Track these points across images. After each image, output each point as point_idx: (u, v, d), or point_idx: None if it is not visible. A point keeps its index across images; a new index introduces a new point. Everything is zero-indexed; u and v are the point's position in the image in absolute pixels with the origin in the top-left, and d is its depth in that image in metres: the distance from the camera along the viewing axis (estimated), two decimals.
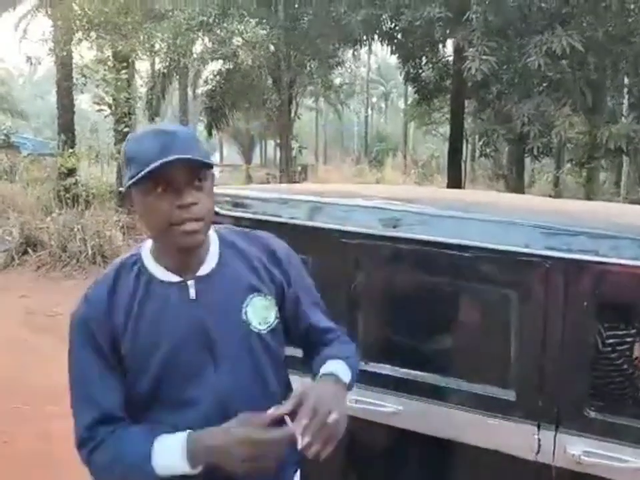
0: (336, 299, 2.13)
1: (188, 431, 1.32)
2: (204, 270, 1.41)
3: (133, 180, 1.29)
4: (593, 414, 1.83)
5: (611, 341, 2.06)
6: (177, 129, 1.35)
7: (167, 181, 1.29)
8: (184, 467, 1.29)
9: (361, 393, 2.07)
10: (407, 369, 2.07)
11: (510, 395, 1.91)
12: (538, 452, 1.86)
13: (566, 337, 1.84)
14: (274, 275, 1.48)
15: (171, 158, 1.25)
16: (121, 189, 1.40)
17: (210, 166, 1.34)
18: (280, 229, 2.21)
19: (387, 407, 2.04)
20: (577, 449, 1.81)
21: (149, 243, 1.45)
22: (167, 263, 1.40)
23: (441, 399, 2.00)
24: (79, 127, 15.78)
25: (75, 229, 10.09)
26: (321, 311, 1.59)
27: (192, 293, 1.39)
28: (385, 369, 2.09)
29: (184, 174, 1.29)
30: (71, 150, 12.91)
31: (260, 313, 1.44)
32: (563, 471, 1.83)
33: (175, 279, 1.40)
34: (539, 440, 1.86)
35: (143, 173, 1.26)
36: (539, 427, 1.86)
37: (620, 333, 2.08)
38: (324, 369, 1.45)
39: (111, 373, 1.37)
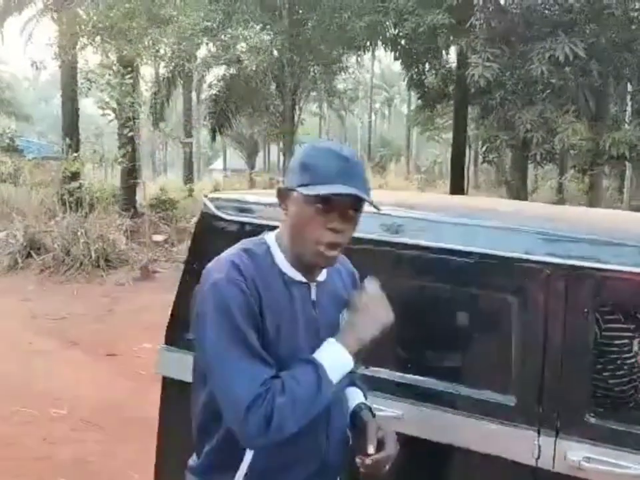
0: None
1: (330, 340, 1.44)
2: (321, 277, 1.55)
3: (307, 190, 1.37)
4: (593, 420, 1.83)
5: (611, 347, 2.07)
6: (356, 159, 1.44)
7: (333, 204, 1.38)
8: (349, 362, 1.43)
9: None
10: (407, 374, 2.08)
11: (510, 401, 1.92)
12: (538, 458, 1.86)
13: (566, 343, 1.85)
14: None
15: (352, 191, 1.36)
16: (281, 185, 1.47)
17: (370, 203, 1.42)
18: None
19: (388, 412, 2.05)
20: (577, 454, 1.81)
21: (272, 236, 1.52)
22: (295, 262, 1.49)
23: (442, 405, 2.00)
24: (83, 131, 15.82)
25: (79, 233, 10.13)
26: None
27: (313, 295, 1.52)
28: (386, 374, 2.10)
29: (348, 203, 1.40)
30: (75, 154, 12.94)
31: None
32: (563, 477, 1.83)
33: (301, 278, 1.50)
34: (539, 446, 1.86)
35: (318, 191, 1.36)
36: (539, 433, 1.87)
37: (620, 339, 2.09)
38: (354, 397, 1.69)
39: (258, 338, 1.39)
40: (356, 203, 1.41)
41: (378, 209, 1.46)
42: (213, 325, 1.37)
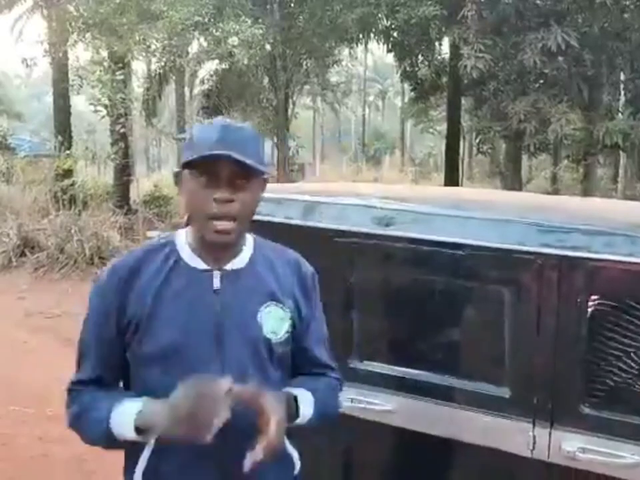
0: (330, 298, 2.13)
1: (144, 400, 1.34)
2: (232, 265, 1.44)
3: (182, 163, 1.35)
4: (587, 410, 1.83)
5: (604, 337, 2.07)
6: (243, 127, 1.39)
7: (212, 172, 1.32)
8: (130, 433, 1.33)
9: (356, 392, 2.08)
10: (401, 367, 2.07)
11: (504, 392, 1.92)
12: (533, 449, 1.86)
13: (560, 334, 1.85)
14: (295, 294, 1.50)
15: (214, 152, 1.29)
16: (176, 168, 1.43)
17: (257, 171, 1.35)
18: (274, 228, 2.21)
19: (382, 406, 2.05)
20: (572, 445, 1.81)
21: (183, 230, 1.48)
22: (198, 249, 1.42)
23: (436, 397, 2.00)
24: (75, 128, 15.75)
25: (72, 230, 10.09)
26: (324, 348, 1.59)
27: (216, 283, 1.41)
28: (380, 367, 2.10)
29: (229, 170, 1.32)
30: (67, 151, 12.87)
31: (274, 322, 1.44)
32: (558, 467, 1.84)
33: (202, 266, 1.42)
34: (534, 437, 1.86)
35: (189, 159, 1.32)
36: (533, 424, 1.87)
37: (614, 329, 2.08)
38: (295, 392, 1.45)
39: (111, 337, 1.41)
40: (243, 170, 1.32)
41: (263, 172, 1.37)
42: (85, 317, 1.47)
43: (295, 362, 1.54)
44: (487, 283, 1.97)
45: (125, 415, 1.33)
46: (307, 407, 1.45)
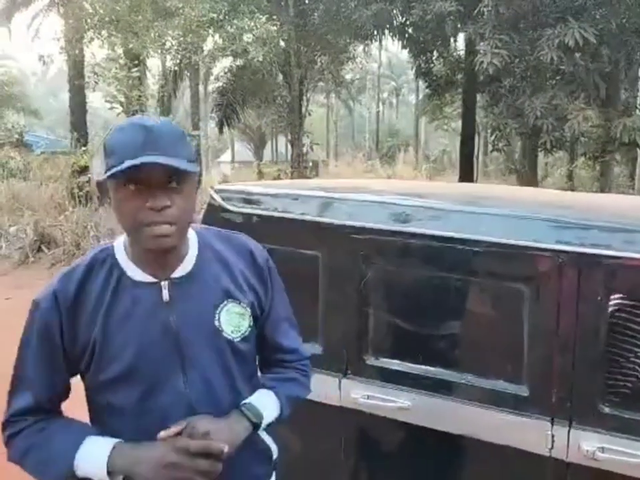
0: (345, 295, 2.13)
1: (116, 441, 1.30)
2: (179, 272, 1.36)
3: (108, 174, 1.23)
4: (607, 409, 1.81)
5: (624, 335, 2.04)
6: (161, 125, 1.27)
7: (140, 180, 1.23)
8: (102, 476, 1.28)
9: (372, 389, 2.07)
10: (417, 364, 2.06)
11: (523, 391, 1.90)
12: (552, 448, 1.84)
13: (579, 332, 1.83)
14: (252, 283, 1.44)
15: (144, 159, 1.20)
16: (97, 178, 1.34)
17: (189, 172, 1.27)
18: (290, 225, 2.21)
19: (398, 403, 2.04)
20: (591, 444, 1.79)
21: (122, 238, 1.39)
22: (141, 261, 1.34)
23: (453, 395, 1.99)
24: (91, 124, 15.87)
25: (88, 227, 10.16)
26: (290, 328, 1.56)
27: (165, 295, 1.34)
28: (396, 365, 2.09)
29: (159, 175, 1.23)
30: (83, 148, 12.98)
31: (233, 320, 1.39)
32: (577, 466, 1.82)
33: (148, 279, 1.34)
34: (553, 436, 1.84)
35: (116, 169, 1.21)
36: (552, 423, 1.85)
37: (634, 327, 2.06)
38: (251, 398, 1.43)
39: (56, 367, 1.35)
40: (173, 172, 1.23)
41: (184, 172, 1.26)
42: (20, 341, 1.39)
43: (260, 350, 1.51)
44: (505, 281, 1.95)
45: (95, 455, 1.29)
46: (270, 410, 1.44)
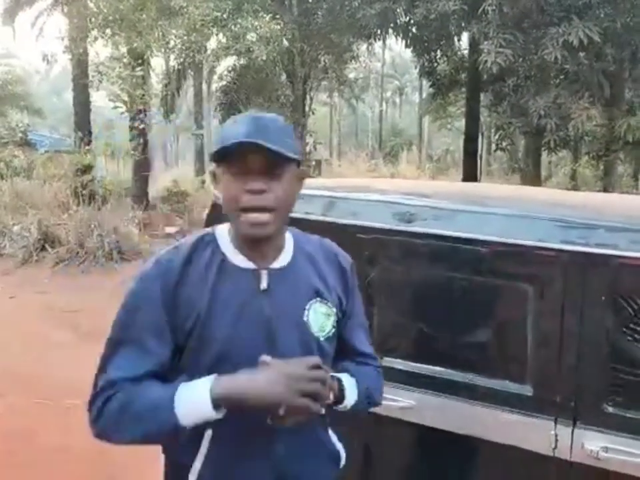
0: None
1: (214, 375, 1.29)
2: (278, 263, 1.41)
3: (212, 154, 1.32)
4: (611, 409, 1.81)
5: (628, 335, 2.04)
6: (273, 118, 1.36)
7: (242, 163, 1.29)
8: (207, 409, 1.25)
9: None
10: (422, 363, 2.06)
11: (527, 390, 1.90)
12: (555, 447, 1.84)
13: (583, 332, 1.83)
14: (337, 287, 1.49)
15: (245, 139, 1.26)
16: (213, 153, 1.36)
17: (288, 159, 1.32)
18: (294, 224, 2.21)
19: (402, 402, 2.04)
20: (594, 444, 1.79)
21: (224, 226, 1.44)
22: (241, 248, 1.39)
23: (457, 394, 1.99)
24: (94, 124, 15.89)
25: (92, 226, 10.17)
26: (365, 334, 1.60)
27: (264, 283, 1.38)
28: (400, 364, 2.09)
29: (259, 160, 1.29)
30: (87, 147, 13.01)
31: (320, 319, 1.43)
32: (580, 466, 1.82)
33: (249, 265, 1.38)
34: (556, 435, 1.84)
35: (218, 148, 1.30)
36: (556, 422, 1.85)
37: (638, 327, 2.05)
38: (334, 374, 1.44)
39: (156, 339, 1.34)
40: (275, 160, 1.29)
41: (295, 160, 1.34)
42: (118, 313, 1.39)
43: (337, 353, 1.52)
44: (509, 280, 1.95)
45: (196, 391, 1.26)
46: (351, 392, 1.45)
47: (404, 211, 2.08)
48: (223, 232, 1.43)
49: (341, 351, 1.53)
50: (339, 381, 1.43)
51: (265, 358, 1.28)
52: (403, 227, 2.06)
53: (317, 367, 1.29)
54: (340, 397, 1.41)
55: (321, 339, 1.42)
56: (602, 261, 1.80)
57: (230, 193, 1.32)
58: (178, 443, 1.35)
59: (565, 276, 1.83)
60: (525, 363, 1.91)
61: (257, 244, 1.37)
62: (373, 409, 2.02)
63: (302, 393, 1.25)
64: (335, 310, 1.46)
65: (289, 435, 1.35)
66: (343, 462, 1.55)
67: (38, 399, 4.85)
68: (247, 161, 1.29)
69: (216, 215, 2.38)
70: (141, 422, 1.29)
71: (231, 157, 1.29)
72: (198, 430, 1.31)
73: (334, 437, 1.53)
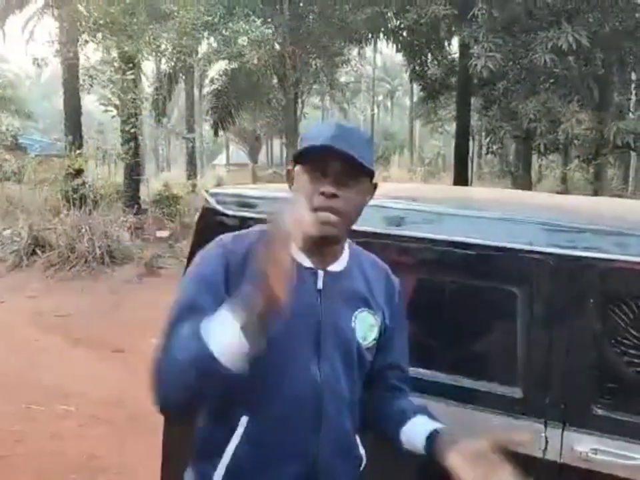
0: None
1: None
2: (335, 267, 1.46)
3: (295, 153, 1.39)
4: (600, 411, 1.82)
5: (617, 337, 2.06)
6: (357, 129, 1.44)
7: (321, 166, 1.35)
8: (235, 333, 1.15)
9: None
10: (412, 367, 2.07)
11: (516, 393, 1.91)
12: (545, 449, 1.85)
13: (572, 335, 1.84)
14: (384, 308, 1.52)
15: (326, 143, 1.31)
16: (296, 152, 1.43)
17: (366, 170, 1.37)
18: None
19: None
20: (584, 446, 1.80)
21: None
22: (304, 245, 1.39)
23: (446, 397, 1.99)
24: (85, 127, 15.83)
25: (83, 230, 10.14)
26: (405, 357, 1.64)
27: (320, 283, 1.42)
28: None
29: (338, 166, 1.34)
30: (78, 151, 12.95)
31: (365, 327, 1.47)
32: (570, 468, 1.82)
33: (307, 263, 1.42)
34: (546, 438, 1.85)
35: (303, 147, 1.36)
36: (545, 425, 1.86)
37: (627, 329, 2.07)
38: (433, 425, 1.48)
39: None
40: (352, 169, 1.35)
41: (371, 172, 1.40)
42: (191, 271, 1.41)
43: (372, 373, 1.55)
44: (498, 283, 1.96)
45: (219, 316, 1.18)
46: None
47: (393, 215, 2.09)
48: None
49: (384, 369, 1.57)
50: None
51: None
52: (392, 231, 2.07)
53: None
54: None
55: (363, 345, 1.47)
56: (591, 265, 1.82)
57: (304, 191, 1.36)
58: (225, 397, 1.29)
59: (554, 279, 1.85)
60: (515, 366, 1.92)
61: (319, 244, 1.40)
62: None
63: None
64: (379, 323, 1.50)
65: (331, 433, 1.41)
66: (364, 464, 1.59)
67: (27, 404, 4.82)
68: (327, 165, 1.35)
69: (207, 219, 2.38)
70: (181, 362, 1.20)
71: (312, 158, 1.35)
72: (218, 437, 1.36)
73: (359, 442, 1.57)
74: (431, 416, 1.53)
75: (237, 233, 1.47)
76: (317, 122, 1.46)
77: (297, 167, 1.41)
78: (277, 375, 1.37)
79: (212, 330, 1.17)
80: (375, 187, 1.49)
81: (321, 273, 1.43)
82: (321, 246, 1.41)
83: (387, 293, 1.55)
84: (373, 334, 1.49)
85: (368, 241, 2.09)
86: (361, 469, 1.59)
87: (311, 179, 1.36)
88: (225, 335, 1.16)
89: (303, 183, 1.37)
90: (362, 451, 1.58)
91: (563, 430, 1.84)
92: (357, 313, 1.46)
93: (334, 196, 1.34)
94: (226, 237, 1.44)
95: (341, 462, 1.47)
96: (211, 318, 1.19)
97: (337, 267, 1.46)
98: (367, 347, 1.48)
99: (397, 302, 1.58)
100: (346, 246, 1.51)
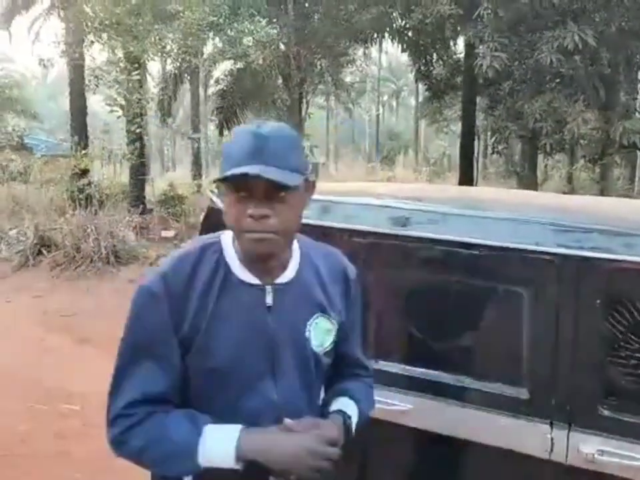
0: None
1: (241, 427, 1.30)
2: (283, 278, 1.39)
3: (214, 180, 1.32)
4: (606, 412, 1.82)
5: (623, 338, 2.04)
6: (275, 133, 1.29)
7: (246, 188, 1.26)
8: (229, 462, 1.28)
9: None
10: (417, 367, 2.06)
11: (522, 394, 1.90)
12: (551, 451, 1.85)
13: (578, 335, 1.83)
14: (339, 301, 1.48)
15: (246, 170, 1.22)
16: (215, 180, 1.33)
17: (291, 187, 1.27)
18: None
19: (398, 406, 2.04)
20: (590, 447, 1.79)
21: (230, 234, 1.41)
22: (246, 262, 1.36)
23: (453, 398, 1.99)
24: (91, 128, 15.87)
25: (89, 230, 10.15)
26: (361, 345, 1.62)
27: (269, 299, 1.37)
28: (396, 368, 2.09)
29: (262, 185, 1.25)
30: (84, 151, 12.99)
31: (321, 335, 1.43)
32: (576, 469, 1.82)
33: (254, 280, 1.37)
34: (552, 439, 1.84)
35: (220, 176, 1.27)
36: (551, 426, 1.85)
37: (633, 330, 2.06)
38: (337, 404, 1.49)
39: (167, 353, 1.33)
40: (277, 184, 1.25)
41: (286, 186, 1.26)
42: (126, 328, 1.38)
43: (333, 364, 1.53)
44: (504, 284, 1.96)
45: (222, 442, 1.28)
46: (355, 421, 1.49)
47: (399, 215, 2.08)
48: (228, 242, 1.40)
49: (339, 362, 1.55)
50: (349, 417, 1.46)
51: (287, 421, 1.31)
52: (398, 231, 2.06)
53: (334, 444, 1.33)
54: (349, 435, 1.44)
55: (320, 353, 1.44)
56: (597, 265, 1.81)
57: (232, 215, 1.30)
58: None
59: (560, 280, 1.84)
60: (521, 367, 1.92)
61: (259, 260, 1.35)
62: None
63: (316, 469, 1.29)
64: (336, 325, 1.46)
65: None
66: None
67: (33, 404, 4.83)
68: (249, 185, 1.26)
69: (212, 219, 2.38)
70: (163, 464, 1.33)
71: (234, 180, 1.26)
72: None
73: None
74: (356, 400, 1.52)
75: (175, 257, 1.40)
76: (237, 130, 1.34)
77: (223, 185, 1.31)
78: (234, 400, 1.36)
79: (207, 452, 1.28)
80: (313, 184, 1.40)
81: (269, 288, 1.37)
82: (264, 261, 1.36)
83: (343, 287, 1.50)
84: (330, 337, 1.45)
85: (375, 241, 2.09)
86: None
87: (237, 199, 1.27)
88: (218, 461, 1.28)
89: (230, 204, 1.29)
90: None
91: (568, 431, 1.83)
92: (311, 320, 1.41)
93: (264, 217, 1.26)
94: (165, 269, 1.36)
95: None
96: (209, 439, 1.28)
97: (285, 277, 1.40)
98: (324, 352, 1.45)
99: (353, 293, 1.52)
100: (295, 248, 1.44)
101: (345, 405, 1.49)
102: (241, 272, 1.37)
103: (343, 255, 1.56)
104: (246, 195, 1.27)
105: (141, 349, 1.35)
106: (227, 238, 1.41)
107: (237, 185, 1.27)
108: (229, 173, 1.24)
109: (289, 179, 1.26)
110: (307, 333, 1.41)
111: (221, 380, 1.35)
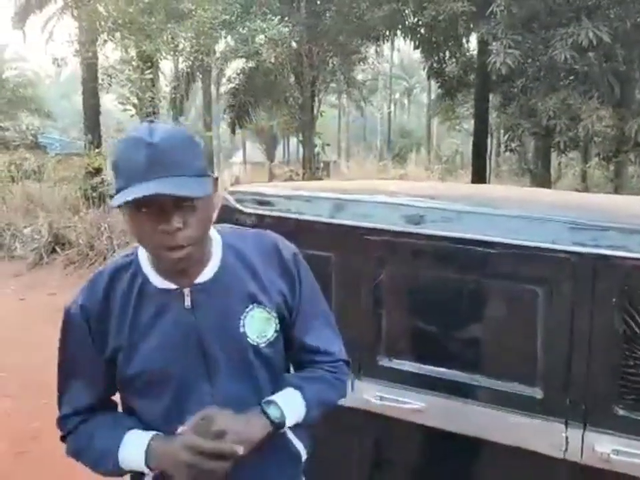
0: (359, 297, 2.13)
1: (152, 435, 1.32)
2: (202, 277, 1.34)
3: (115, 204, 1.20)
4: (621, 411, 1.80)
5: (639, 337, 2.03)
6: (166, 139, 1.19)
7: (151, 205, 1.19)
8: (143, 468, 1.32)
9: (385, 390, 2.07)
10: (431, 365, 2.06)
11: (537, 393, 1.89)
12: (566, 450, 1.84)
13: (594, 334, 1.82)
14: (278, 284, 1.40)
15: (147, 190, 1.15)
16: (112, 203, 1.25)
17: (194, 197, 1.20)
18: (303, 226, 2.21)
19: (411, 404, 2.04)
20: (605, 447, 1.78)
21: None
22: (163, 269, 1.33)
23: (467, 397, 1.98)
24: (104, 126, 15.96)
25: (102, 228, 10.22)
26: (323, 326, 1.49)
27: (187, 302, 1.33)
28: (410, 366, 2.09)
29: (167, 199, 1.18)
30: (97, 149, 13.07)
31: (259, 326, 1.36)
32: (591, 469, 1.81)
33: (171, 286, 1.33)
34: (567, 438, 1.83)
35: (120, 200, 1.18)
36: (566, 425, 1.84)
37: None
38: (273, 396, 1.38)
39: (92, 372, 1.39)
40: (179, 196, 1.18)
41: (189, 198, 1.20)
42: (58, 349, 1.44)
43: (289, 350, 1.46)
44: (519, 282, 1.95)
45: (135, 450, 1.33)
46: (293, 411, 1.38)
47: (412, 213, 2.07)
48: (143, 252, 1.36)
49: (293, 348, 1.47)
50: (274, 406, 1.36)
51: (181, 428, 1.27)
52: (411, 229, 2.05)
53: (221, 434, 1.24)
54: (280, 423, 1.35)
55: (261, 345, 1.36)
56: (613, 263, 1.79)
57: (143, 234, 1.23)
58: None
59: (576, 278, 1.83)
60: (535, 366, 1.90)
61: (181, 271, 1.32)
62: (382, 411, 2.02)
63: (194, 464, 1.23)
64: (275, 313, 1.38)
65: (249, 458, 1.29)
66: (304, 457, 1.50)
67: (46, 401, 4.86)
68: (154, 201, 1.17)
69: (226, 217, 2.39)
70: (96, 467, 1.41)
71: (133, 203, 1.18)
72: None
73: (293, 438, 1.46)
74: (301, 388, 1.41)
75: (89, 279, 1.41)
76: (122, 140, 1.24)
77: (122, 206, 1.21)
78: (175, 406, 1.34)
79: (125, 449, 1.33)
80: (216, 180, 1.32)
81: (186, 290, 1.32)
82: (184, 269, 1.31)
83: (281, 269, 1.40)
84: (272, 327, 1.37)
85: (389, 239, 2.09)
86: (302, 460, 1.50)
87: (146, 217, 1.20)
88: (132, 460, 1.33)
89: (137, 224, 1.22)
90: (298, 446, 1.47)
91: (584, 430, 1.82)
92: (244, 314, 1.35)
93: (177, 230, 1.20)
94: (81, 296, 1.39)
95: (266, 462, 1.38)
96: (130, 438, 1.34)
97: (205, 276, 1.34)
98: (267, 343, 1.37)
99: (295, 272, 1.41)
100: (215, 242, 1.38)
101: (282, 395, 1.38)
102: (158, 280, 1.34)
103: (275, 236, 1.46)
104: (151, 211, 1.20)
105: (68, 370, 1.43)
106: (142, 250, 1.36)
107: (138, 203, 1.18)
108: (128, 198, 1.16)
109: (193, 189, 1.20)
110: (241, 328, 1.34)
111: (158, 388, 1.35)
